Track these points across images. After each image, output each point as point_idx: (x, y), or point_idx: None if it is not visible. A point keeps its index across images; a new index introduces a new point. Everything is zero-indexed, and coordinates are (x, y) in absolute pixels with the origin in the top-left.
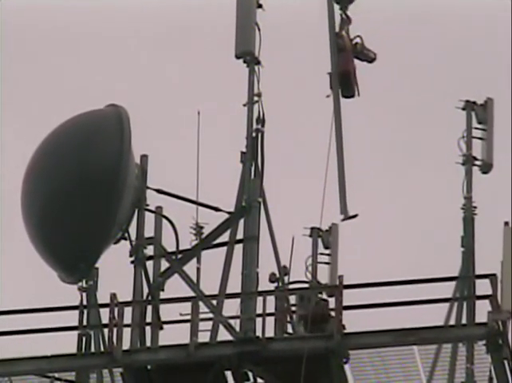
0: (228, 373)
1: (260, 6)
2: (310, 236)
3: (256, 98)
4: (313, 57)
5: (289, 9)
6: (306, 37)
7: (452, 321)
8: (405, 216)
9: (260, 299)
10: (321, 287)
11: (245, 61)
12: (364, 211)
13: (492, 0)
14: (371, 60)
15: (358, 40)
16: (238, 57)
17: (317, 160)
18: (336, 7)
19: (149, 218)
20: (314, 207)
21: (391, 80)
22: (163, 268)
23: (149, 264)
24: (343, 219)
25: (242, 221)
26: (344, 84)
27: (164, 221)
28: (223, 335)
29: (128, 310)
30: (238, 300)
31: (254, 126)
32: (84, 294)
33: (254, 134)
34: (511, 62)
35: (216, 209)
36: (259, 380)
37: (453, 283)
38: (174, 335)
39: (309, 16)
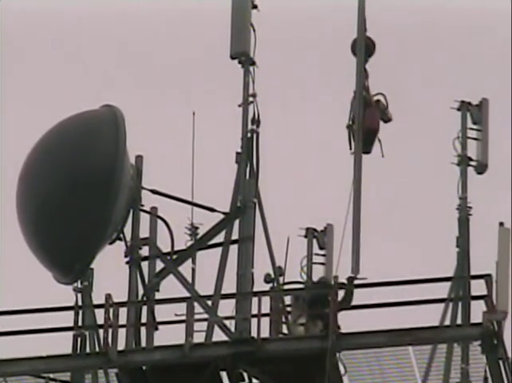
0: (223, 374)
1: (255, 7)
2: (305, 237)
3: (251, 99)
4: (307, 57)
5: (284, 9)
6: (301, 37)
7: (447, 322)
8: (400, 217)
9: (255, 300)
10: (316, 288)
11: (240, 62)
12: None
13: (489, 0)
14: (387, 120)
15: (381, 97)
16: (233, 57)
17: (312, 161)
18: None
19: (144, 218)
20: (309, 208)
21: (387, 80)
22: (158, 269)
23: (144, 265)
24: (353, 278)
25: (237, 221)
26: (367, 140)
27: (159, 221)
28: (218, 335)
29: (123, 311)
30: (233, 300)
31: (249, 127)
32: (80, 295)
33: (249, 134)
34: (510, 62)
35: (211, 209)
36: (254, 380)
37: (448, 283)
38: (169, 336)
39: (303, 16)
